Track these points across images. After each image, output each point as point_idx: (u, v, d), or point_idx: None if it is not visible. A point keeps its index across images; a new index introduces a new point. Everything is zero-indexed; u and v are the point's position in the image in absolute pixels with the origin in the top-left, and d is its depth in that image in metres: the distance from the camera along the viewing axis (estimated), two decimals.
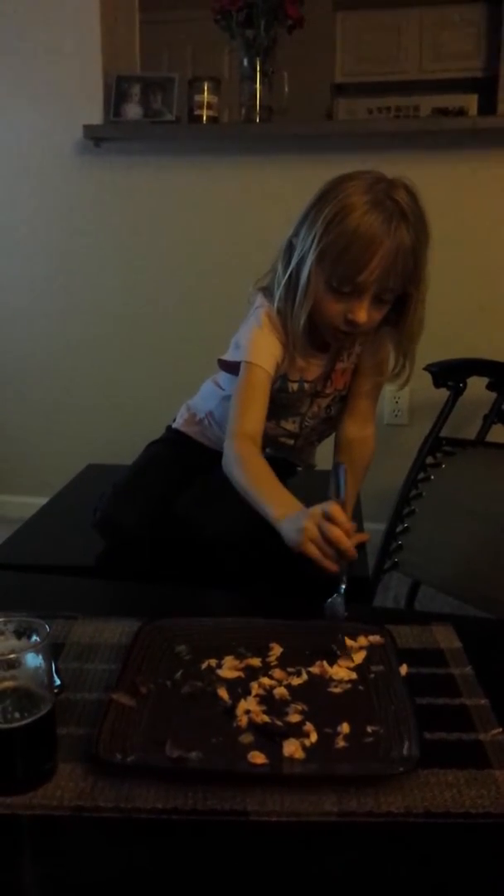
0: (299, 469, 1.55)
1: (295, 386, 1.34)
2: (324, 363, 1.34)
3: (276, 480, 1.12)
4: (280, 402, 1.36)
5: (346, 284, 1.16)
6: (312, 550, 0.92)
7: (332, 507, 0.92)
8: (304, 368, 1.33)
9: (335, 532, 0.90)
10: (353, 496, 1.40)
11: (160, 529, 1.37)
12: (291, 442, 1.42)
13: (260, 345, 1.26)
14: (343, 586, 0.91)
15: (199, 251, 2.54)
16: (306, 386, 1.35)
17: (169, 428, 1.57)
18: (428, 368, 1.78)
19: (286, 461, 1.52)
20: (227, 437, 1.20)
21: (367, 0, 4.27)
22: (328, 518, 0.91)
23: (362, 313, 1.17)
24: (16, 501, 2.62)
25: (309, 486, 1.44)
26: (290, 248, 1.23)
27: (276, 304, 1.25)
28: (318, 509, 0.94)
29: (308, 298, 1.20)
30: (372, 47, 4.38)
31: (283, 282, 1.23)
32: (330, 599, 0.90)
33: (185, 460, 1.49)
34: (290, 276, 1.22)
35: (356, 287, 1.16)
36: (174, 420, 1.57)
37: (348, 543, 0.90)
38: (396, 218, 1.13)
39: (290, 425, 1.39)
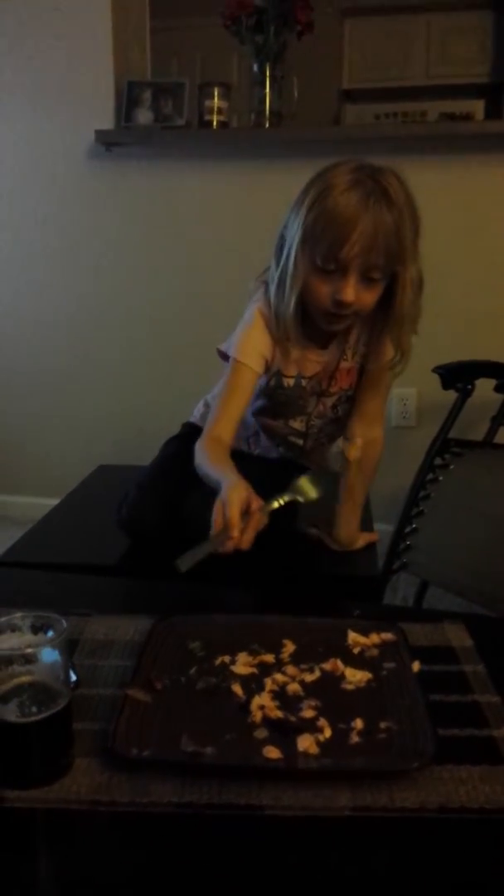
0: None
1: (291, 382, 1.35)
2: (323, 359, 1.34)
3: (232, 464, 1.16)
4: (280, 400, 1.36)
5: (330, 262, 1.17)
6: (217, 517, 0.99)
7: (235, 496, 0.98)
8: (301, 364, 1.33)
9: (217, 518, 0.98)
10: (362, 497, 1.40)
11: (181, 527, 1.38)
12: (301, 442, 1.43)
13: (248, 342, 1.28)
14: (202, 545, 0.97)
15: (209, 254, 2.55)
16: (304, 382, 1.35)
17: (185, 424, 1.58)
18: (436, 370, 1.79)
19: (297, 464, 1.52)
20: (202, 437, 1.25)
21: (375, 6, 4.29)
22: (226, 503, 0.98)
23: (349, 291, 1.18)
24: (27, 503, 2.63)
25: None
26: (281, 239, 1.25)
27: (271, 296, 1.26)
28: (232, 493, 0.99)
29: (296, 282, 1.21)
30: (380, 53, 4.40)
31: (277, 273, 1.25)
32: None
33: None
34: (281, 265, 1.24)
35: (339, 264, 1.17)
36: (192, 416, 1.58)
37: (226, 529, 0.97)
38: (376, 195, 1.14)
39: (298, 424, 1.40)
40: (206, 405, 1.54)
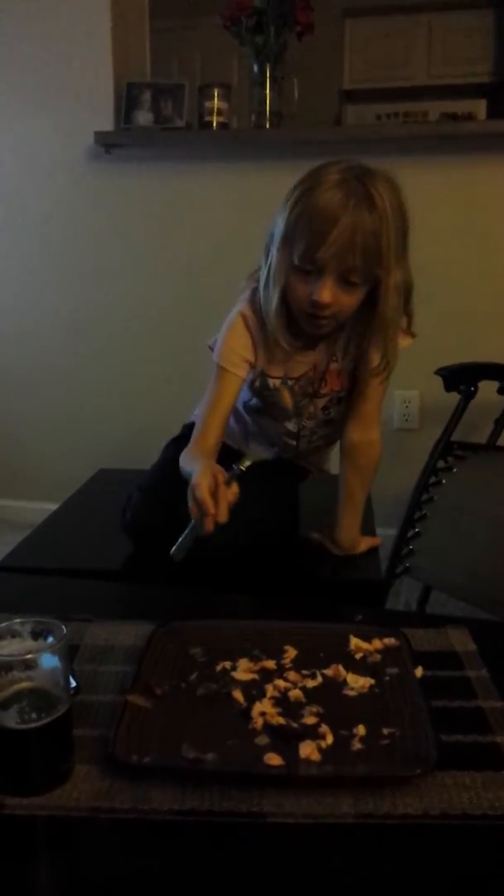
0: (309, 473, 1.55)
1: (277, 382, 1.34)
2: (310, 360, 1.33)
3: (207, 455, 1.24)
4: (269, 400, 1.36)
5: (307, 261, 1.16)
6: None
7: (202, 479, 1.04)
8: (288, 365, 1.33)
9: (192, 504, 1.05)
10: (362, 501, 1.39)
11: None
12: (294, 443, 1.43)
13: (230, 346, 1.30)
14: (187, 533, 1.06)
15: (210, 256, 2.55)
16: (290, 383, 1.34)
17: (185, 426, 1.58)
18: (439, 373, 1.78)
19: (297, 465, 1.52)
20: (188, 446, 1.28)
21: (376, 6, 4.29)
22: (195, 487, 1.04)
23: (325, 292, 1.16)
24: (28, 507, 2.63)
25: (322, 491, 1.44)
26: (270, 237, 1.24)
27: (260, 295, 1.26)
28: (198, 478, 1.05)
29: (277, 280, 1.21)
30: (380, 53, 4.39)
31: (264, 271, 1.25)
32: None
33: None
34: (267, 264, 1.24)
35: (316, 264, 1.15)
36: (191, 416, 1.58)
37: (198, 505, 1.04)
38: (358, 198, 1.13)
39: (290, 425, 1.40)
40: None
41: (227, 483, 1.05)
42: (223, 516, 1.03)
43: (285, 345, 1.27)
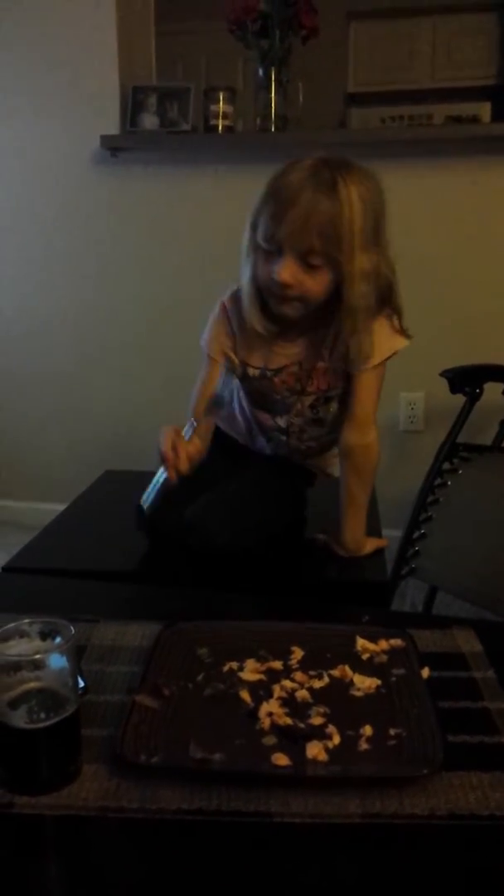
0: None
1: (256, 373, 1.37)
2: (290, 353, 1.35)
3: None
4: (256, 389, 1.41)
5: (268, 241, 1.21)
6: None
7: (164, 436, 1.23)
8: (267, 356, 1.36)
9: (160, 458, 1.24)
10: (364, 502, 1.39)
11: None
12: (284, 438, 1.45)
13: (213, 335, 1.40)
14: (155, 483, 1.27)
15: (215, 259, 2.55)
16: (270, 374, 1.36)
17: None
18: (444, 374, 1.78)
19: (304, 468, 1.52)
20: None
21: (380, 9, 4.30)
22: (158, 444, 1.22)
23: (284, 272, 1.20)
24: (35, 508, 2.63)
25: (330, 494, 1.44)
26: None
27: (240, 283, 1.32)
28: (160, 436, 1.23)
29: (247, 261, 1.27)
30: (385, 56, 4.40)
31: (242, 257, 1.30)
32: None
33: (218, 451, 1.51)
34: (242, 246, 1.29)
35: (276, 244, 1.20)
36: None
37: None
38: (320, 183, 1.17)
39: (281, 421, 1.43)
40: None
41: (187, 437, 1.23)
42: (183, 465, 1.22)
43: (259, 328, 1.31)
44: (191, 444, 1.23)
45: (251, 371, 1.38)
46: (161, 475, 1.26)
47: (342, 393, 1.38)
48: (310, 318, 1.30)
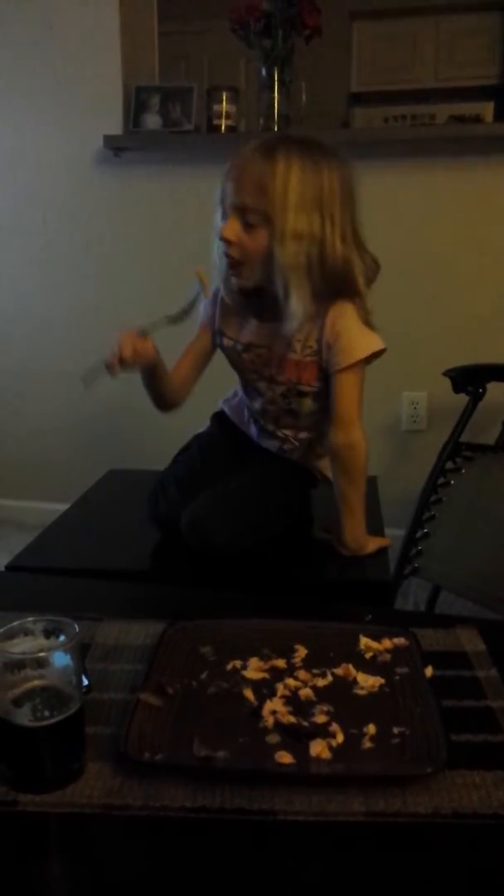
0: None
1: (230, 343, 1.44)
2: (261, 334, 1.39)
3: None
4: (236, 365, 1.47)
5: (220, 201, 1.32)
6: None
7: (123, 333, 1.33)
8: (239, 329, 1.43)
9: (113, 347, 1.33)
10: (359, 502, 1.39)
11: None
12: (262, 422, 1.49)
13: (203, 306, 1.49)
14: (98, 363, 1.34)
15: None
16: (240, 349, 1.43)
17: (213, 416, 1.64)
18: (447, 374, 1.78)
19: (305, 468, 1.52)
20: None
21: (383, 9, 4.30)
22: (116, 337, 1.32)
23: (226, 228, 1.29)
24: (37, 508, 2.64)
25: (331, 495, 1.44)
26: None
27: None
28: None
29: (216, 227, 1.34)
30: (388, 56, 4.41)
31: None
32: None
33: (232, 444, 1.54)
34: None
35: (224, 206, 1.30)
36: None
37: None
38: (263, 148, 1.25)
39: (257, 403, 1.47)
40: (235, 393, 1.58)
41: (140, 335, 1.34)
42: (127, 351, 1.32)
43: (226, 297, 1.41)
44: (143, 342, 1.34)
45: (226, 342, 1.45)
46: (104, 363, 1.33)
47: (319, 393, 1.39)
48: (278, 303, 1.32)
